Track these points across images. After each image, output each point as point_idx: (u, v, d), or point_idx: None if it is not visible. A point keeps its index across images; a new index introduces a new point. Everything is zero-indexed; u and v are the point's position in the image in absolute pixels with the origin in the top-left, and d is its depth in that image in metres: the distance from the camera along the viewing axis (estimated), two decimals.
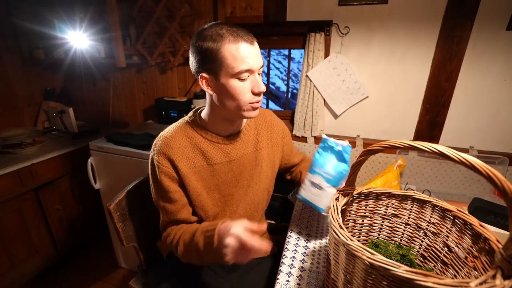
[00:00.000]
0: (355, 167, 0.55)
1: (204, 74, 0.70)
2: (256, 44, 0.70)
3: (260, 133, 0.87)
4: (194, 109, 0.85)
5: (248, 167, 0.85)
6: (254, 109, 0.74)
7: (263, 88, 0.71)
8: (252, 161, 0.85)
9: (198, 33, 0.69)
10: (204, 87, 0.72)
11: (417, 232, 0.67)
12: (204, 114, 0.81)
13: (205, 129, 0.80)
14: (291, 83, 2.81)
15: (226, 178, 0.82)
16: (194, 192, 0.80)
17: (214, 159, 0.80)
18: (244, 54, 0.66)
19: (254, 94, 0.71)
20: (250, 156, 0.85)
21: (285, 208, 1.39)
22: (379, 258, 0.40)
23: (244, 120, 0.85)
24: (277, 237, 1.01)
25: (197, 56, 0.69)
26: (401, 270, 0.37)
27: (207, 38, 0.66)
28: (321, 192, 0.76)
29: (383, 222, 0.70)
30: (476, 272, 0.51)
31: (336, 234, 0.46)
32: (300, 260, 0.77)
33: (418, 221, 0.66)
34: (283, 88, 5.00)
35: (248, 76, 0.69)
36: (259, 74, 0.73)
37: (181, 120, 0.84)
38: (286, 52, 1.81)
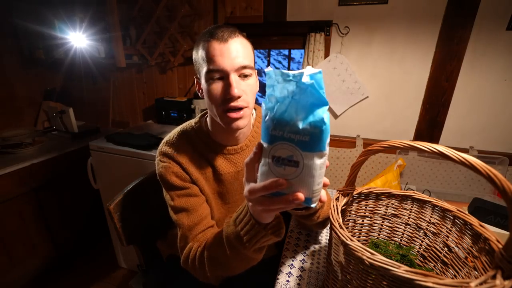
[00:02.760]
0: (355, 167, 0.55)
1: (196, 77, 0.71)
2: (232, 41, 0.62)
3: None
4: (201, 114, 0.81)
5: None
6: (232, 118, 0.64)
7: (233, 93, 0.61)
8: None
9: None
10: (197, 90, 0.72)
11: (417, 232, 0.67)
12: (208, 120, 0.77)
13: (210, 137, 0.76)
14: None
15: (232, 187, 0.79)
16: (206, 196, 0.76)
17: (220, 169, 0.76)
18: (211, 52, 0.61)
19: (226, 98, 0.63)
20: None
21: None
22: (379, 258, 0.40)
23: (251, 125, 0.80)
24: None
25: (193, 59, 0.70)
26: (401, 270, 0.37)
27: (196, 41, 0.67)
28: (296, 170, 0.39)
29: (383, 222, 0.70)
30: (476, 272, 0.51)
31: (336, 234, 0.46)
32: (300, 260, 0.76)
33: (418, 221, 0.66)
34: None
35: (221, 77, 0.63)
36: (241, 76, 0.64)
37: (186, 124, 0.79)
38: (286, 52, 1.81)
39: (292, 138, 0.38)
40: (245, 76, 0.65)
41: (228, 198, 0.81)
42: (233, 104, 0.63)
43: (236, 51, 0.62)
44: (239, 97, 0.63)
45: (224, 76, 0.63)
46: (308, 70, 0.37)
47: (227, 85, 0.62)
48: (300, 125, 0.37)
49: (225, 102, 0.64)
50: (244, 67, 0.63)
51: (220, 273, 0.65)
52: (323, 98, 0.37)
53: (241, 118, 0.66)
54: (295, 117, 0.37)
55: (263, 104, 0.40)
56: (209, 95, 0.65)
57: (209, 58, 0.62)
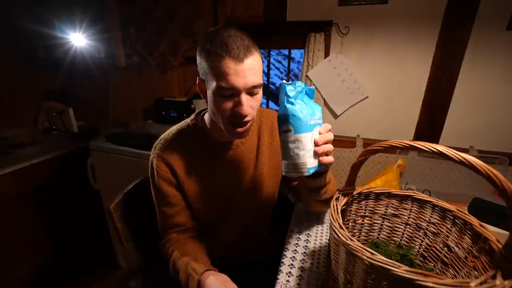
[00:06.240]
0: (355, 167, 0.55)
1: (200, 78, 0.69)
2: (248, 61, 0.60)
3: (261, 137, 0.84)
4: (197, 112, 0.84)
5: (249, 173, 0.83)
6: (238, 132, 0.67)
7: (243, 112, 0.63)
8: (252, 167, 0.83)
9: (204, 34, 0.66)
10: (199, 91, 0.72)
11: (417, 232, 0.67)
12: (206, 117, 0.79)
13: (206, 134, 0.78)
14: None
15: (226, 184, 0.81)
16: (192, 197, 0.80)
17: (214, 165, 0.79)
18: (225, 70, 0.60)
19: (235, 115, 0.65)
20: (251, 162, 0.83)
21: (285, 208, 1.39)
22: (379, 258, 0.40)
23: None
24: (277, 238, 1.01)
25: (197, 58, 0.68)
26: (401, 270, 0.37)
27: (205, 44, 0.64)
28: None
29: (383, 222, 0.70)
30: (476, 272, 0.51)
31: (336, 234, 0.46)
32: (300, 260, 0.76)
33: (418, 221, 0.66)
34: None
35: (231, 94, 0.63)
36: (251, 94, 0.65)
37: (183, 122, 0.83)
38: (286, 52, 1.81)
39: (319, 123, 0.59)
40: (255, 92, 0.66)
41: (224, 195, 0.83)
42: (241, 121, 0.66)
43: (249, 70, 0.61)
44: (247, 115, 0.65)
45: (235, 94, 0.63)
46: (299, 83, 0.58)
47: (238, 104, 0.63)
48: (318, 112, 0.59)
49: (233, 118, 0.66)
50: (255, 87, 0.64)
51: None
52: (313, 96, 0.62)
53: (246, 131, 0.69)
54: (314, 109, 0.58)
55: (297, 108, 0.55)
56: (217, 109, 0.66)
57: (222, 76, 0.61)
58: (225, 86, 0.61)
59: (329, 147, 0.59)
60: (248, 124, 0.68)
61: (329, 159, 0.59)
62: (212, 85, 0.64)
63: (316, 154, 0.57)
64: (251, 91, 0.64)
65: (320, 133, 0.58)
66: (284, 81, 0.58)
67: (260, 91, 0.68)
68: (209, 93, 0.66)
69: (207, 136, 0.78)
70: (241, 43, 0.61)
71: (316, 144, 0.57)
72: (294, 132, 0.56)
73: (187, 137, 0.79)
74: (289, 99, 0.56)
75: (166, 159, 0.76)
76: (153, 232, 0.99)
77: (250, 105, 0.65)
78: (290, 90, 0.57)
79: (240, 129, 0.67)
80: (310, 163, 0.57)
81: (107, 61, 1.72)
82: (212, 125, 0.77)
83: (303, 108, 0.56)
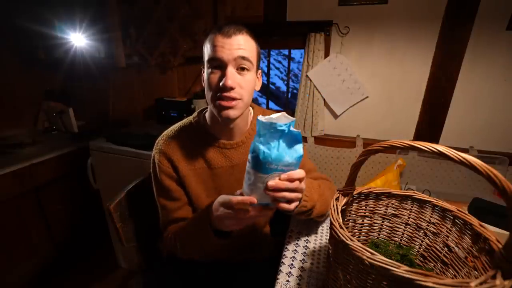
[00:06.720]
0: (355, 167, 0.55)
1: (202, 66, 0.74)
2: (237, 37, 0.66)
3: None
4: (199, 110, 0.85)
5: None
6: (223, 106, 0.67)
7: (227, 82, 0.64)
8: None
9: None
10: (202, 80, 0.76)
11: (417, 232, 0.67)
12: (207, 115, 0.81)
13: (207, 131, 0.80)
14: (291, 83, 2.81)
15: (227, 183, 0.82)
16: (193, 193, 0.80)
17: (215, 163, 0.80)
18: (213, 43, 0.66)
19: (220, 87, 0.67)
20: None
21: None
22: (379, 258, 0.40)
23: (248, 123, 0.83)
24: (277, 238, 1.01)
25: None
26: (401, 270, 0.37)
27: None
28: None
29: (383, 222, 0.70)
30: (476, 272, 0.51)
31: (336, 234, 0.46)
32: (300, 260, 0.76)
33: (418, 221, 0.66)
34: (283, 88, 5.01)
35: (219, 68, 0.67)
36: (239, 69, 0.67)
37: (185, 120, 0.84)
38: (286, 52, 1.81)
39: (283, 169, 0.54)
40: (243, 69, 0.68)
41: (223, 191, 0.82)
42: (226, 94, 0.66)
43: (237, 44, 0.66)
44: (232, 88, 0.66)
45: (222, 66, 0.67)
46: (286, 118, 0.53)
47: (223, 75, 0.66)
48: (290, 160, 0.53)
49: (219, 91, 0.67)
50: (243, 58, 0.66)
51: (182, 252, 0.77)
52: (301, 138, 0.54)
53: (231, 108, 0.68)
54: (285, 155, 0.52)
55: (261, 147, 0.52)
56: (207, 83, 0.70)
57: (211, 49, 0.67)
58: (213, 56, 0.66)
59: (285, 194, 0.55)
60: (234, 102, 0.68)
61: (283, 206, 0.57)
62: (205, 62, 0.70)
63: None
64: (238, 65, 0.67)
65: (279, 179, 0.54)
66: (261, 117, 0.52)
67: (251, 73, 0.70)
68: (204, 72, 0.72)
69: (208, 133, 0.80)
70: (234, 25, 0.67)
71: (266, 188, 0.54)
72: (250, 166, 0.54)
73: (189, 134, 0.80)
74: (259, 137, 0.53)
75: (168, 154, 0.77)
76: (153, 232, 0.99)
77: (238, 82, 0.67)
78: (263, 128, 0.52)
79: (224, 102, 0.67)
80: (257, 199, 0.56)
81: (107, 61, 1.72)
82: (213, 123, 0.78)
83: (269, 150, 0.51)
